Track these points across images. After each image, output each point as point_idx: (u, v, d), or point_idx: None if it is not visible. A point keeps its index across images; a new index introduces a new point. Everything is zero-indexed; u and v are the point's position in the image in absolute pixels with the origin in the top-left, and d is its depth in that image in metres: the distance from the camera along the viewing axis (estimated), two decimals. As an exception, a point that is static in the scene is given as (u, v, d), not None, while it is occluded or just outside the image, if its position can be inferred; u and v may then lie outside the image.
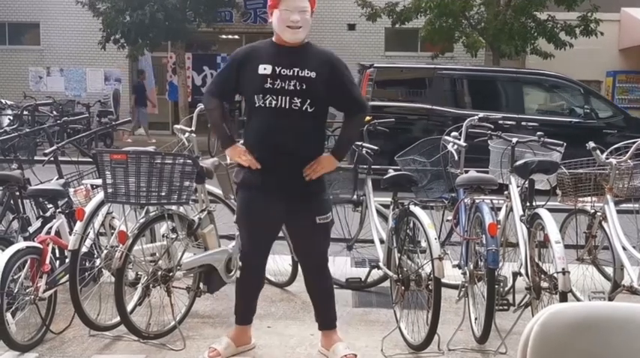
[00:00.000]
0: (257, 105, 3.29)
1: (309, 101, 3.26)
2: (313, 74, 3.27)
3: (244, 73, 3.35)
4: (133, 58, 17.31)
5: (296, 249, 3.88)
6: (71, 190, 4.31)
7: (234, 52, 3.54)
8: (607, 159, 4.29)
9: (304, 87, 3.26)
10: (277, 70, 3.27)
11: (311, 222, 3.38)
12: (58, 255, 4.17)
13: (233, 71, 3.40)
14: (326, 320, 3.62)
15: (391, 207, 4.19)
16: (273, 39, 3.38)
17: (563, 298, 3.40)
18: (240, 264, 3.64)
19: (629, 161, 4.23)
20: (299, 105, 3.25)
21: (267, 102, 3.26)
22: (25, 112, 10.56)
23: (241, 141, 3.46)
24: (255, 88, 3.30)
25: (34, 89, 18.70)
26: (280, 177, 3.32)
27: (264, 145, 3.31)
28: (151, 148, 3.98)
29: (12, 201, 4.26)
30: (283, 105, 3.25)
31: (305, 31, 3.30)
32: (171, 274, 3.73)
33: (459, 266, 4.05)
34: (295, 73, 3.26)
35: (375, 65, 10.76)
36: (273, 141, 3.29)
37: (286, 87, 3.25)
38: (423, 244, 3.76)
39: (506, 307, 3.71)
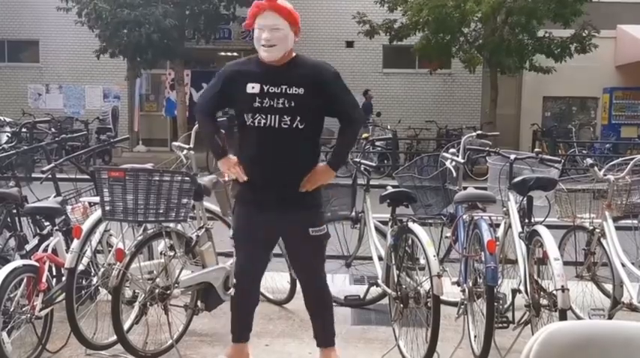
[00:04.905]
0: (247, 123, 3.30)
1: (298, 118, 3.25)
2: (301, 90, 3.25)
3: (233, 90, 3.34)
4: (132, 76, 17.34)
5: (293, 264, 3.87)
6: (69, 208, 4.30)
7: (222, 67, 3.53)
8: (605, 175, 4.29)
9: (293, 104, 3.24)
10: (265, 89, 3.26)
11: (304, 234, 3.36)
12: (54, 273, 4.14)
13: (221, 88, 3.40)
14: (324, 337, 3.58)
15: (390, 224, 4.18)
16: (259, 56, 3.34)
17: (563, 315, 3.39)
18: (234, 280, 3.61)
19: (627, 177, 4.23)
20: (289, 123, 3.25)
21: (257, 121, 3.26)
22: (24, 129, 10.56)
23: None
24: (244, 107, 3.31)
25: (33, 106, 18.72)
26: (275, 190, 3.32)
27: (258, 163, 3.32)
28: (149, 165, 3.98)
29: (9, 219, 4.24)
30: (273, 124, 3.25)
31: (280, 49, 3.24)
32: (168, 292, 3.71)
33: (458, 283, 4.03)
34: (283, 91, 3.24)
35: None
36: (265, 159, 3.29)
37: (275, 105, 3.24)
38: (422, 261, 3.74)
39: (505, 324, 3.69)
